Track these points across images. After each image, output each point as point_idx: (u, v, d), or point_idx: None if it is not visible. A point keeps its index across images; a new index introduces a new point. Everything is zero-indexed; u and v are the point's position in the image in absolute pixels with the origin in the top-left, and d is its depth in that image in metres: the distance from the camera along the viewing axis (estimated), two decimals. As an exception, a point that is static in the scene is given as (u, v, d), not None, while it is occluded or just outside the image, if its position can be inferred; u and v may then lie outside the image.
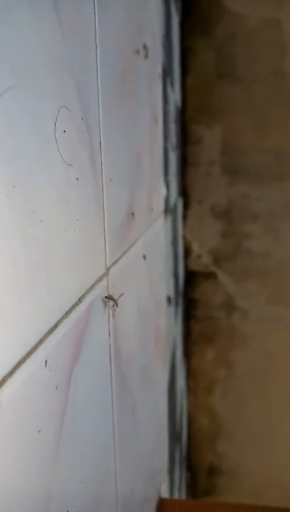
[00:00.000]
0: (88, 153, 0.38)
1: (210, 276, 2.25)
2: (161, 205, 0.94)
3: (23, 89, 0.26)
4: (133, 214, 0.57)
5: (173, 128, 1.85)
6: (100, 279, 0.44)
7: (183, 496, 1.94)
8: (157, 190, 0.86)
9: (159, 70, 0.90)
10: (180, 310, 1.98)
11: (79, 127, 0.36)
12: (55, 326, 0.32)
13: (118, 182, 0.49)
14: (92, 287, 0.41)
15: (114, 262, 0.49)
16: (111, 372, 0.47)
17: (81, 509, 0.37)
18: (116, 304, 0.46)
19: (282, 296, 2.21)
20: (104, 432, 0.45)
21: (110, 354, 0.47)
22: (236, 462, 2.25)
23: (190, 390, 2.29)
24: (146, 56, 0.65)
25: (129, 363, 0.56)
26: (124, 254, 0.53)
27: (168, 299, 1.38)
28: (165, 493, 0.99)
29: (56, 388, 0.32)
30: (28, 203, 0.27)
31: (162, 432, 0.93)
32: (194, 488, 2.26)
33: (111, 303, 0.46)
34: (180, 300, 2.03)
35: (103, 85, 0.43)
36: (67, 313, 0.34)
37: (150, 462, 0.79)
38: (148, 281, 0.76)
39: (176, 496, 1.51)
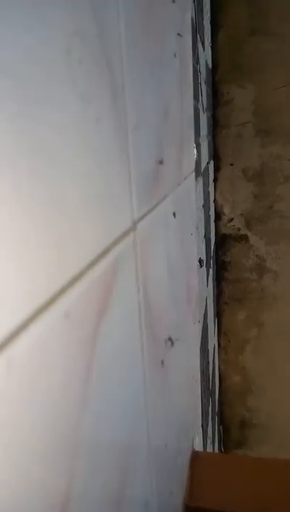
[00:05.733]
0: (109, 92, 0.33)
1: (242, 238, 2.18)
2: (192, 163, 0.88)
3: None
4: (161, 167, 0.52)
5: (204, 88, 1.75)
6: (127, 233, 0.40)
7: (216, 449, 1.96)
8: (188, 147, 0.80)
9: (188, 19, 0.82)
10: (211, 272, 1.94)
11: (98, 60, 0.31)
12: (77, 278, 0.28)
13: (145, 130, 0.44)
14: (117, 241, 0.37)
15: (142, 217, 0.44)
16: (141, 328, 0.44)
17: (111, 466, 0.35)
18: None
19: (315, 258, 2.11)
20: (134, 388, 0.42)
21: (139, 310, 0.44)
22: (266, 416, 2.24)
23: (222, 348, 2.27)
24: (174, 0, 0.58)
25: (160, 320, 0.53)
26: (152, 209, 0.49)
27: (200, 262, 1.34)
28: (198, 446, 0.98)
29: (80, 343, 0.29)
30: (36, 137, 0.23)
31: (195, 388, 0.91)
32: (226, 441, 2.28)
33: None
34: (212, 262, 1.98)
35: (126, 18, 0.37)
36: (90, 266, 0.31)
37: (183, 417, 0.77)
38: (179, 240, 0.72)
39: (209, 448, 1.51)
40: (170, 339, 0.58)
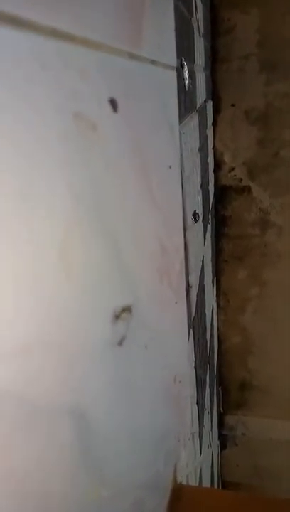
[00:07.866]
0: None
1: (244, 190, 1.78)
2: (171, 55, 0.50)
3: None
4: None
5: (199, 6, 1.30)
6: None
7: (215, 412, 1.68)
8: (159, 20, 0.41)
9: None
10: (209, 228, 1.57)
11: None
12: None
13: None
14: None
15: None
16: None
17: None
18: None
19: None
20: None
21: None
22: (267, 378, 1.97)
23: (221, 308, 1.95)
24: None
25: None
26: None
27: (195, 216, 1.00)
28: (193, 418, 0.67)
29: None
30: None
31: (181, 392, 0.58)
32: (226, 402, 2.01)
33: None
34: (210, 217, 1.61)
35: None
36: None
37: (154, 464, 0.44)
38: (139, 175, 0.35)
39: (207, 418, 1.25)
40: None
